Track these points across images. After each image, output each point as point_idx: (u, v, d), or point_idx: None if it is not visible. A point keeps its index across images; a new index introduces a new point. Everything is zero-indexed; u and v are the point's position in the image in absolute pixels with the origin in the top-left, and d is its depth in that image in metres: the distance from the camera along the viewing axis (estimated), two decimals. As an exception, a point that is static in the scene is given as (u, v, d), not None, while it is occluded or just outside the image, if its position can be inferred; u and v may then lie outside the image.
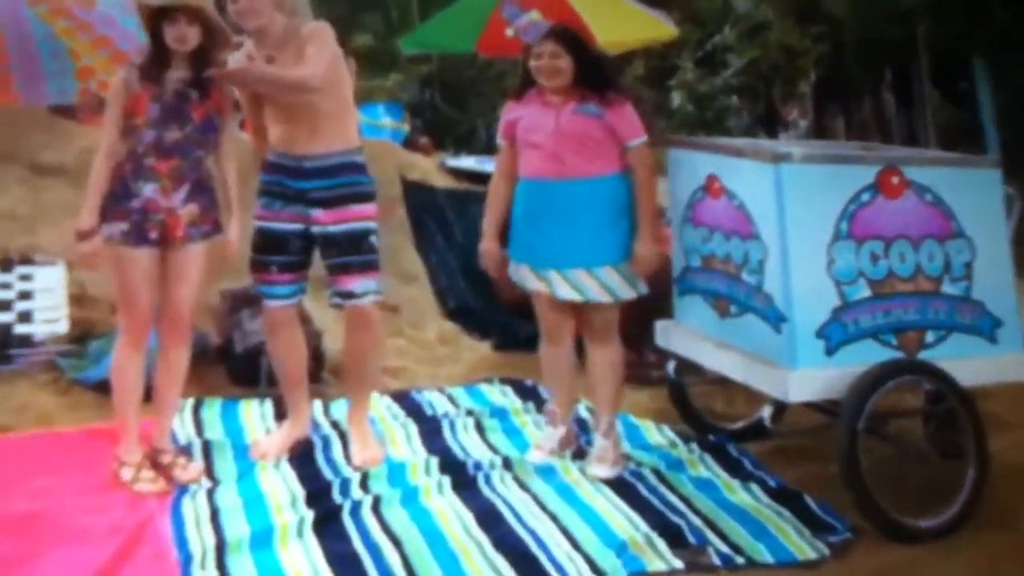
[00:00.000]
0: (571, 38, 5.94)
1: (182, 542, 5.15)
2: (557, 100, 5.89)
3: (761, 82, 20.96)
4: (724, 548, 5.16)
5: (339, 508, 5.45)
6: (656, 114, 20.22)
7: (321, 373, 7.48)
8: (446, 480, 5.80)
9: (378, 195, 6.31)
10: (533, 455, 6.20)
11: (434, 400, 7.32)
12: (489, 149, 6.31)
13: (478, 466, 6.00)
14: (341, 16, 17.68)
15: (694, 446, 6.46)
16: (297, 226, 6.05)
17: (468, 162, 12.08)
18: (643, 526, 5.31)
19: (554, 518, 5.44)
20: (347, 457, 6.18)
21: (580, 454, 6.23)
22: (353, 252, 6.04)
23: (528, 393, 7.42)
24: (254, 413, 6.96)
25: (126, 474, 5.78)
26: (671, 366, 6.67)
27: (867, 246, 5.54)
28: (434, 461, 6.06)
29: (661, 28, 11.60)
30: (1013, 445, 6.33)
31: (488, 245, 6.16)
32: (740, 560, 5.09)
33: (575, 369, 6.28)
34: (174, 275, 5.80)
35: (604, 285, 5.86)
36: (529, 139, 5.93)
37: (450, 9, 11.90)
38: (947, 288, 5.67)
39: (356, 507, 5.46)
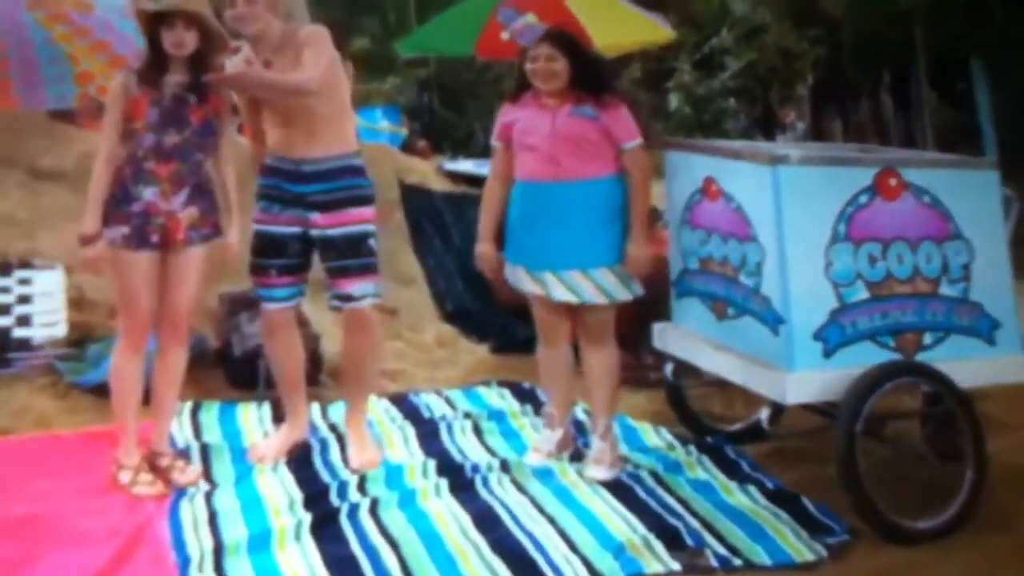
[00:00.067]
0: (567, 41, 5.94)
1: (180, 545, 5.15)
2: (553, 103, 5.89)
3: (758, 84, 20.98)
4: (722, 550, 5.16)
5: (337, 511, 5.45)
6: (653, 117, 20.21)
7: (319, 376, 7.49)
8: (444, 482, 5.80)
9: (376, 198, 6.31)
10: (531, 457, 6.20)
11: (432, 403, 7.32)
12: (487, 152, 6.31)
13: (476, 468, 6.00)
14: (338, 19, 17.71)
15: (692, 448, 6.45)
16: (295, 229, 6.06)
17: (466, 165, 12.09)
18: (641, 528, 5.31)
19: (552, 520, 5.44)
20: (345, 460, 6.18)
21: (578, 456, 6.23)
22: (352, 255, 6.04)
23: (526, 396, 7.42)
24: (252, 416, 6.96)
25: (124, 477, 5.78)
26: (669, 368, 6.67)
27: (865, 248, 5.54)
28: (432, 464, 6.06)
29: (658, 31, 11.61)
30: (1011, 447, 6.33)
31: (484, 247, 6.16)
32: (738, 562, 5.09)
33: (572, 371, 6.28)
34: (174, 278, 5.81)
35: (599, 286, 5.86)
36: (525, 141, 5.93)
37: (447, 12, 11.92)
38: (945, 290, 5.67)
39: (354, 510, 5.46)
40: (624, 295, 5.94)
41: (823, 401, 5.64)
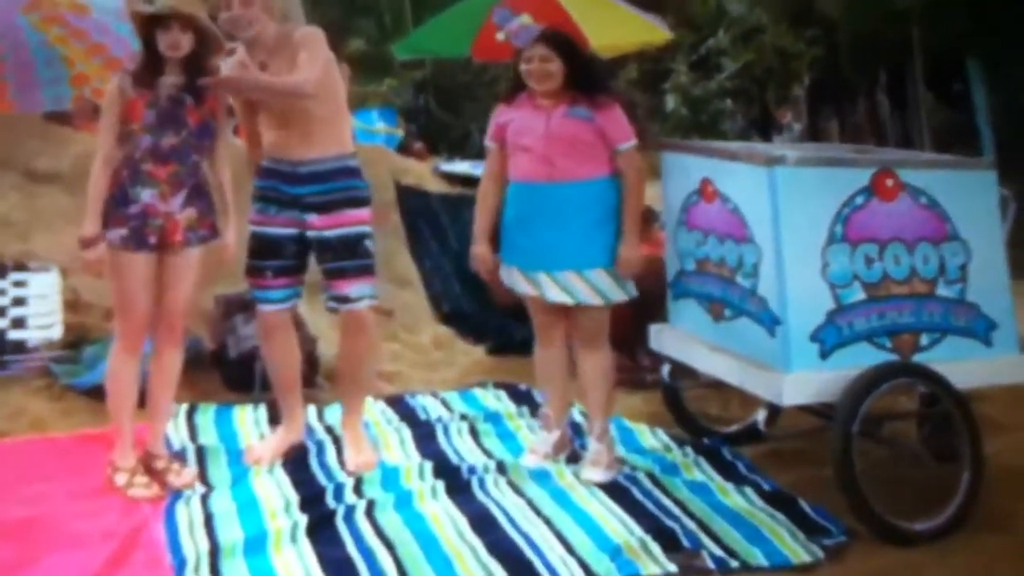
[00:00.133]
0: (562, 42, 5.93)
1: (176, 547, 5.13)
2: (547, 103, 5.88)
3: (755, 85, 21.00)
4: (718, 551, 5.15)
5: (333, 513, 5.44)
6: (650, 118, 20.21)
7: (315, 378, 7.48)
8: (440, 484, 5.79)
9: (372, 200, 6.30)
10: (527, 459, 6.20)
11: (428, 404, 7.31)
12: (483, 154, 6.29)
13: (472, 470, 6.00)
14: (334, 21, 17.72)
15: (688, 450, 6.45)
16: (292, 231, 6.06)
17: (462, 167, 12.07)
18: (637, 530, 5.30)
19: (548, 522, 5.43)
20: (341, 462, 6.17)
21: (574, 458, 6.22)
22: (349, 256, 6.03)
23: (522, 397, 7.41)
24: (248, 418, 6.95)
25: (120, 479, 5.77)
26: (665, 370, 6.68)
27: (861, 249, 5.54)
28: (428, 465, 6.05)
29: (655, 32, 11.62)
30: (1008, 448, 6.33)
31: (479, 248, 6.16)
32: (734, 563, 5.09)
33: (569, 372, 6.27)
34: (171, 279, 5.81)
35: (594, 287, 5.85)
36: (519, 142, 5.92)
37: (443, 14, 11.91)
38: (942, 290, 5.67)
39: (350, 512, 5.46)
40: (619, 296, 5.93)
41: (820, 402, 5.64)
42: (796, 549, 5.21)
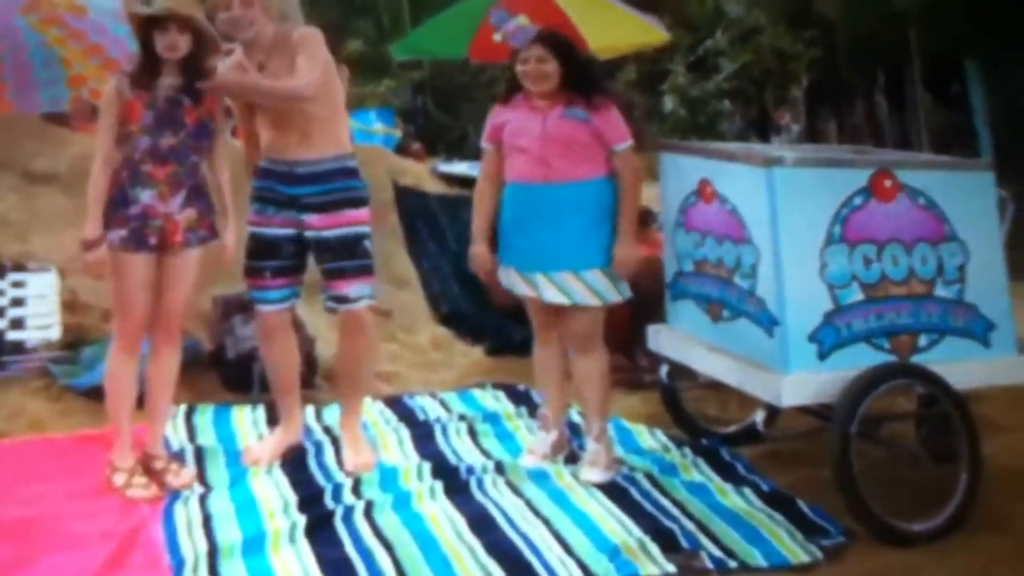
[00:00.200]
0: (558, 43, 5.93)
1: (174, 548, 5.13)
2: (544, 104, 5.88)
3: (753, 86, 21.01)
4: (717, 552, 5.15)
5: (331, 513, 5.44)
6: (648, 119, 20.23)
7: (314, 379, 7.48)
8: (438, 485, 5.79)
9: (370, 200, 6.30)
10: (526, 460, 6.20)
11: (426, 405, 7.31)
12: (481, 155, 6.30)
13: (470, 471, 6.00)
14: (332, 21, 17.72)
15: (687, 450, 6.45)
16: (289, 231, 6.06)
17: (460, 167, 12.07)
18: (636, 530, 5.30)
19: (547, 523, 5.43)
20: (339, 462, 6.17)
21: (573, 458, 6.22)
22: (347, 257, 6.03)
23: (521, 398, 7.41)
24: (246, 419, 6.95)
25: (119, 480, 5.77)
26: (664, 370, 6.68)
27: (860, 250, 5.54)
28: (426, 466, 6.05)
29: (653, 33, 11.63)
30: (1006, 448, 6.33)
31: (478, 249, 6.15)
32: (733, 564, 5.08)
33: (567, 372, 6.26)
34: (170, 280, 5.81)
35: (591, 288, 5.84)
36: (516, 143, 5.92)
37: (441, 15, 11.92)
38: (940, 291, 5.67)
39: (348, 512, 5.45)
40: (614, 297, 5.93)
41: (818, 403, 5.64)
42: (795, 549, 5.20)
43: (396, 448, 6.48)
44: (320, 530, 5.28)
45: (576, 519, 5.47)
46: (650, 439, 6.71)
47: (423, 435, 6.67)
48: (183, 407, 6.93)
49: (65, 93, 7.52)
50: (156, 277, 5.77)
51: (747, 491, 5.85)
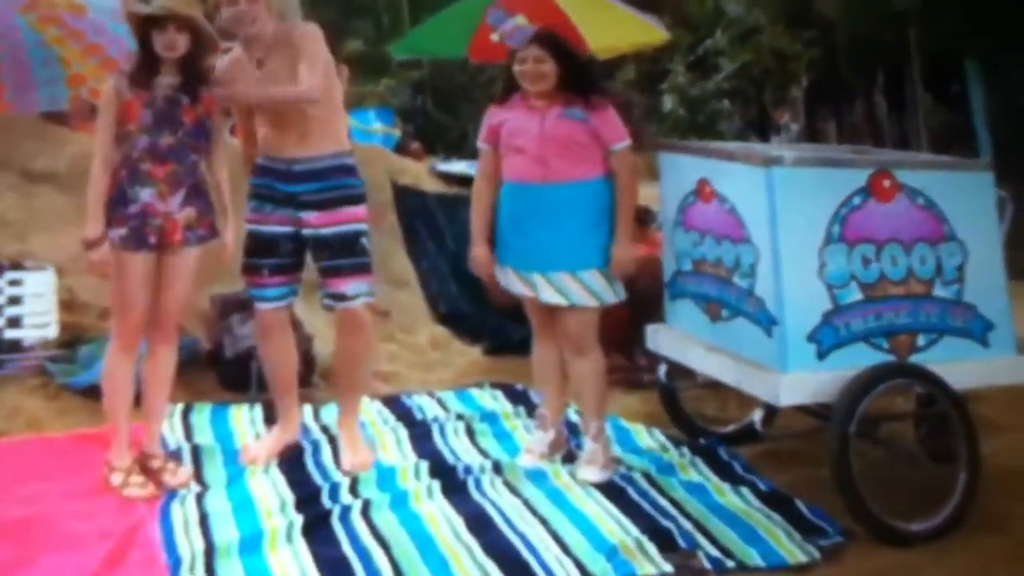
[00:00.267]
0: (555, 43, 5.92)
1: (171, 547, 5.13)
2: (541, 104, 5.88)
3: (753, 86, 21.02)
4: (715, 552, 5.15)
5: (328, 512, 5.44)
6: (647, 118, 20.24)
7: (311, 378, 7.48)
8: (436, 484, 5.79)
9: (369, 199, 6.30)
10: (523, 459, 6.19)
11: (424, 405, 7.31)
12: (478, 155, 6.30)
13: (468, 470, 5.99)
14: (332, 21, 17.70)
15: (685, 450, 6.44)
16: (287, 229, 6.05)
17: (459, 167, 12.07)
18: (633, 530, 5.30)
19: (544, 522, 5.43)
20: (337, 462, 6.17)
21: (570, 458, 6.22)
22: (345, 255, 6.03)
23: (518, 397, 7.41)
24: (244, 418, 6.95)
25: (116, 479, 5.77)
26: (662, 370, 6.67)
27: (859, 249, 5.53)
28: (424, 465, 6.05)
29: (653, 32, 11.61)
30: (1005, 448, 6.33)
31: (478, 250, 6.15)
32: (730, 564, 5.08)
33: (565, 371, 6.25)
34: (169, 278, 5.81)
35: (588, 288, 5.84)
36: (513, 143, 5.92)
37: (440, 14, 11.89)
38: (939, 291, 5.66)
39: (345, 511, 5.45)
40: (611, 297, 5.92)
41: (817, 403, 5.64)
42: (792, 549, 5.20)
43: (394, 447, 6.48)
44: (317, 529, 5.28)
45: (574, 519, 5.47)
46: (648, 439, 6.71)
47: (421, 434, 6.67)
48: (180, 406, 6.93)
49: (64, 92, 7.52)
50: (154, 276, 5.77)
51: (745, 491, 5.84)
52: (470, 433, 6.74)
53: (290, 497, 5.66)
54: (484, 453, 6.42)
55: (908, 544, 5.28)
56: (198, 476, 6.00)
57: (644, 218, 8.01)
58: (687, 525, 5.41)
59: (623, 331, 7.39)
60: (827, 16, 19.11)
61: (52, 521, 5.37)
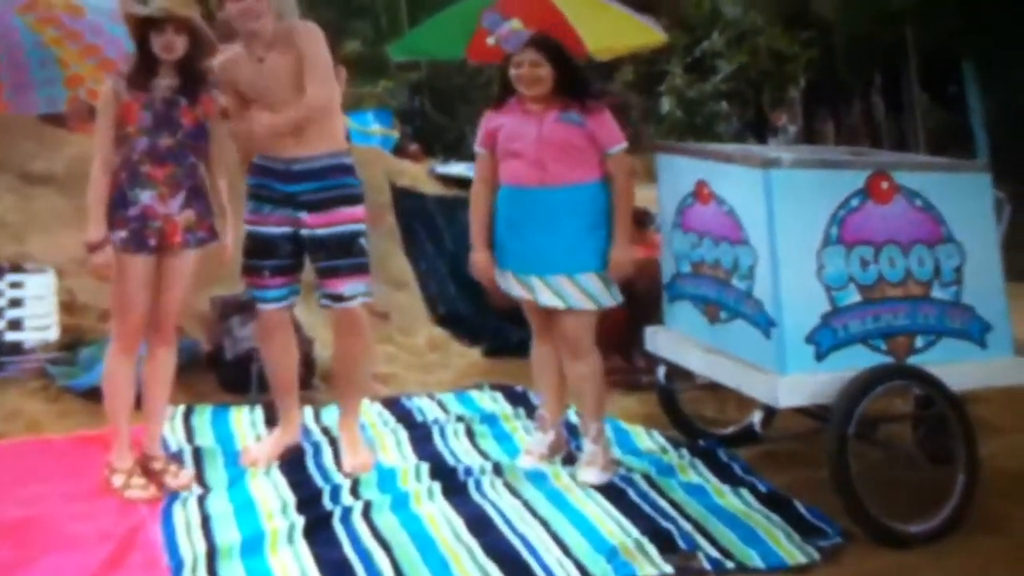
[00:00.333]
0: (551, 46, 5.93)
1: (173, 549, 5.14)
2: (538, 108, 5.89)
3: (750, 88, 21.01)
4: (714, 553, 5.16)
5: (329, 514, 5.44)
6: (645, 120, 20.24)
7: (312, 380, 7.48)
8: (436, 486, 5.79)
9: (367, 201, 6.30)
10: (523, 460, 6.20)
11: (424, 406, 7.32)
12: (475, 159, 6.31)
13: (468, 472, 6.00)
14: (330, 22, 17.70)
15: (684, 451, 6.45)
16: (286, 229, 6.05)
17: (458, 168, 12.06)
18: (633, 531, 5.31)
19: (544, 524, 5.43)
20: (337, 463, 6.17)
21: (570, 459, 6.22)
22: (343, 255, 6.04)
23: (518, 399, 7.42)
24: (244, 420, 6.95)
25: (117, 480, 5.77)
26: (661, 371, 6.68)
27: (857, 251, 5.54)
28: (424, 467, 6.05)
29: (650, 34, 11.61)
30: (1003, 450, 6.33)
31: (479, 255, 6.14)
32: (730, 565, 5.09)
33: (564, 371, 6.25)
34: (168, 280, 5.82)
35: (585, 291, 5.84)
36: (511, 147, 5.93)
37: (439, 16, 11.91)
38: (937, 293, 5.67)
39: (346, 513, 5.46)
40: (608, 301, 5.93)
41: (815, 404, 5.64)
42: (792, 551, 5.21)
43: (394, 449, 6.48)
44: (318, 531, 5.28)
45: (574, 520, 5.47)
46: (647, 440, 6.72)
47: (421, 436, 6.68)
48: (181, 408, 6.94)
49: (62, 93, 7.52)
50: (154, 278, 5.78)
51: (744, 492, 5.85)
52: (470, 435, 6.74)
53: (291, 499, 5.67)
54: (484, 455, 6.43)
55: (906, 545, 5.28)
56: (199, 478, 6.01)
57: (642, 220, 8.02)
58: (687, 526, 5.42)
59: (622, 333, 7.41)
60: (824, 17, 19.12)
61: (53, 523, 5.38)
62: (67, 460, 6.19)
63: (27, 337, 7.72)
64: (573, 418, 6.65)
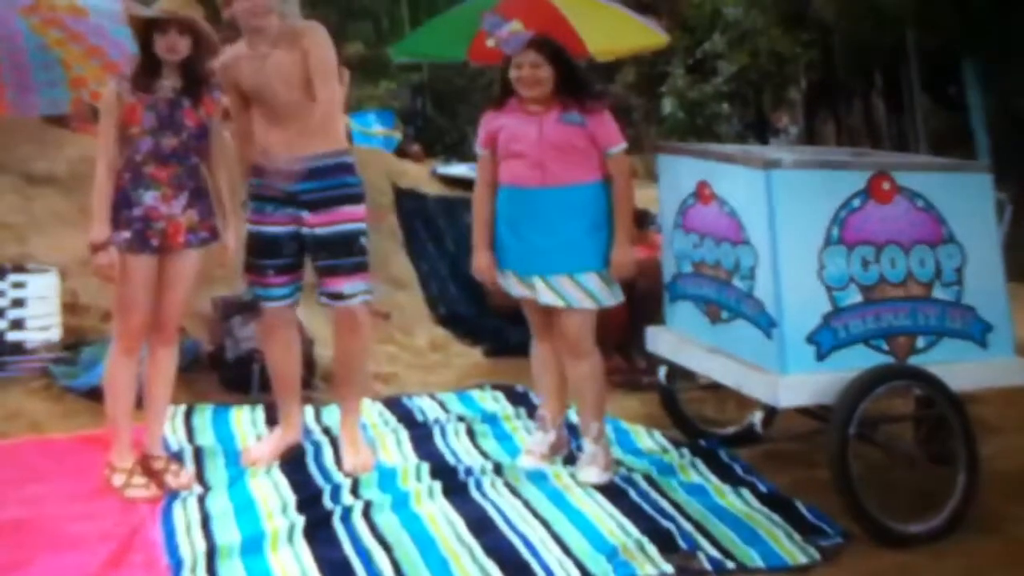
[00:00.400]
0: (551, 47, 5.93)
1: (173, 548, 5.13)
2: (538, 109, 5.89)
3: (751, 89, 21.01)
4: (715, 553, 5.16)
5: (330, 514, 5.44)
6: (647, 121, 20.25)
7: (313, 380, 7.48)
8: (437, 486, 5.79)
9: (368, 201, 6.30)
10: (524, 460, 6.20)
11: (425, 406, 7.32)
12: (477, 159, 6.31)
13: (469, 472, 6.00)
14: (332, 24, 17.72)
15: (685, 451, 6.45)
16: (290, 228, 6.05)
17: (459, 169, 12.08)
18: (634, 531, 5.31)
19: (545, 524, 5.43)
20: (338, 463, 6.17)
21: (571, 459, 6.22)
22: (343, 254, 6.04)
23: (519, 399, 7.42)
24: (245, 419, 6.96)
25: (117, 480, 5.77)
26: (662, 372, 6.68)
27: (858, 251, 5.54)
28: (425, 467, 6.05)
29: (652, 35, 11.60)
30: (1003, 450, 6.34)
31: (481, 258, 6.13)
32: (731, 565, 5.09)
33: (563, 370, 6.25)
34: (170, 280, 5.82)
35: (587, 291, 5.84)
36: (512, 148, 5.93)
37: (440, 17, 11.93)
38: (938, 293, 5.67)
39: (347, 513, 5.46)
40: (609, 300, 5.93)
41: (816, 404, 5.64)
42: (792, 551, 5.21)
43: (395, 449, 6.49)
44: (319, 531, 5.28)
45: (574, 520, 5.47)
46: (648, 440, 6.72)
47: (421, 436, 6.68)
48: (182, 407, 6.94)
49: (65, 95, 7.51)
50: (156, 278, 5.78)
51: (745, 492, 5.86)
52: (471, 434, 6.75)
53: (292, 498, 5.66)
54: (485, 454, 6.43)
55: (907, 545, 5.29)
56: (200, 477, 6.01)
57: (642, 220, 8.03)
58: (687, 526, 5.42)
59: (623, 333, 7.41)
60: (824, 18, 19.10)
61: (53, 522, 5.38)
62: (68, 460, 6.18)
63: (29, 337, 7.72)
64: (574, 418, 6.65)
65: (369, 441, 6.45)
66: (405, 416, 7.09)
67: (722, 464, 6.29)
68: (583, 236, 5.84)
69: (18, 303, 7.78)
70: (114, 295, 5.84)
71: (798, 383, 5.43)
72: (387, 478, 5.93)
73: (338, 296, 6.06)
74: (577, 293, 5.84)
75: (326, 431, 6.67)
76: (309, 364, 7.33)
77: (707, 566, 5.06)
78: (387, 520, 5.44)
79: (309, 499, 5.64)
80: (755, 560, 5.13)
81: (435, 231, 10.56)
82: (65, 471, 6.02)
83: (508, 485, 5.88)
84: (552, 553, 5.12)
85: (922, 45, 18.05)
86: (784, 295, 5.44)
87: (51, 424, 6.79)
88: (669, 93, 20.45)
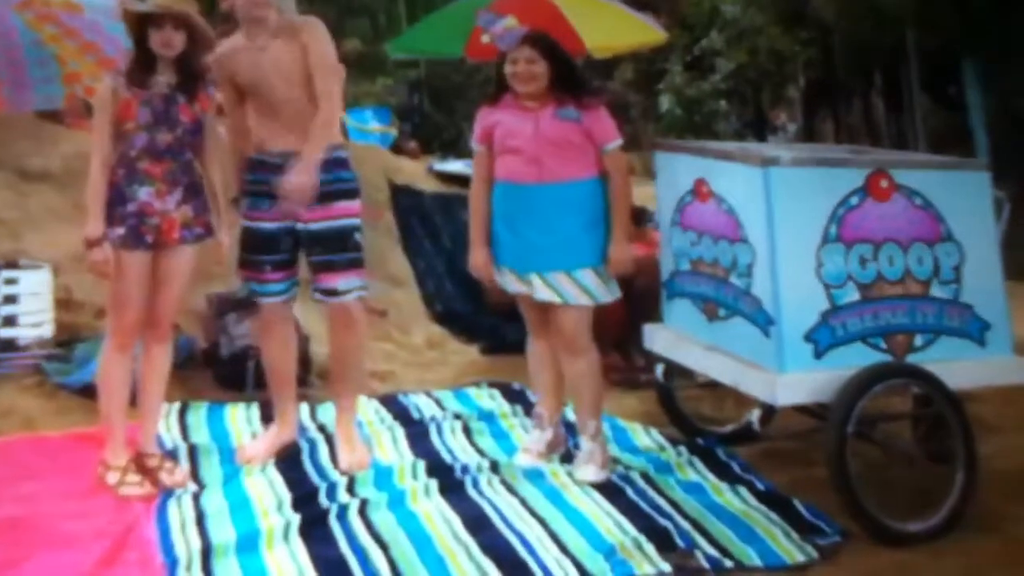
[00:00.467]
0: (547, 43, 5.92)
1: (168, 546, 5.12)
2: (534, 105, 5.88)
3: (749, 86, 21.01)
4: (712, 551, 5.15)
5: (326, 512, 5.43)
6: (645, 118, 20.25)
7: (309, 377, 7.46)
8: (433, 484, 5.78)
9: (365, 198, 6.29)
10: (521, 458, 6.19)
11: (421, 404, 7.30)
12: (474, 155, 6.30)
13: (465, 469, 5.98)
14: (330, 20, 17.72)
15: (682, 449, 6.44)
16: (285, 224, 6.03)
17: (456, 166, 12.08)
18: (631, 530, 5.30)
19: (542, 522, 5.42)
20: (334, 461, 6.15)
21: (568, 457, 6.21)
22: (338, 250, 6.02)
23: (516, 396, 7.41)
24: (240, 417, 6.94)
25: (112, 478, 5.75)
26: (659, 369, 6.67)
27: (856, 249, 5.53)
28: (421, 465, 6.04)
29: (650, 32, 11.58)
30: (1002, 449, 6.33)
31: (479, 255, 6.11)
32: (728, 563, 5.08)
33: (559, 368, 6.23)
34: (165, 277, 5.81)
35: (583, 287, 5.83)
36: (508, 144, 5.91)
37: (437, 14, 11.89)
38: (936, 291, 5.66)
39: (343, 511, 5.44)
40: (606, 296, 5.92)
41: (814, 402, 5.64)
42: (790, 549, 5.20)
43: (391, 447, 6.47)
44: (314, 529, 5.27)
45: (571, 518, 5.46)
46: (646, 438, 6.71)
47: (418, 434, 6.66)
48: (176, 405, 6.92)
49: (60, 91, 7.49)
50: (150, 274, 5.76)
51: (743, 490, 5.84)
52: (467, 432, 6.73)
53: (287, 496, 5.65)
54: (481, 452, 6.41)
55: (905, 544, 5.28)
56: (194, 475, 5.99)
57: (640, 218, 8.01)
58: (685, 525, 5.41)
59: (620, 331, 7.40)
60: (824, 17, 19.11)
61: (47, 521, 5.36)
62: (62, 458, 6.16)
63: (22, 334, 7.70)
64: (571, 416, 6.63)
65: (365, 439, 6.44)
66: (401, 414, 7.07)
67: (720, 462, 6.27)
68: (580, 232, 5.83)
69: (11, 299, 7.76)
70: (108, 291, 5.83)
71: (796, 381, 5.42)
72: (383, 476, 5.91)
73: (332, 292, 6.04)
74: (573, 289, 5.83)
75: (321, 429, 6.65)
76: (305, 361, 7.31)
77: (705, 564, 5.04)
78: (383, 518, 5.42)
79: (305, 497, 5.62)
80: (753, 558, 5.12)
81: (432, 228, 10.55)
82: (59, 469, 6.00)
83: (505, 483, 5.87)
84: (549, 551, 5.11)
85: (922, 45, 18.07)
86: (782, 293, 5.43)
87: (44, 421, 6.77)
88: (667, 90, 20.46)
